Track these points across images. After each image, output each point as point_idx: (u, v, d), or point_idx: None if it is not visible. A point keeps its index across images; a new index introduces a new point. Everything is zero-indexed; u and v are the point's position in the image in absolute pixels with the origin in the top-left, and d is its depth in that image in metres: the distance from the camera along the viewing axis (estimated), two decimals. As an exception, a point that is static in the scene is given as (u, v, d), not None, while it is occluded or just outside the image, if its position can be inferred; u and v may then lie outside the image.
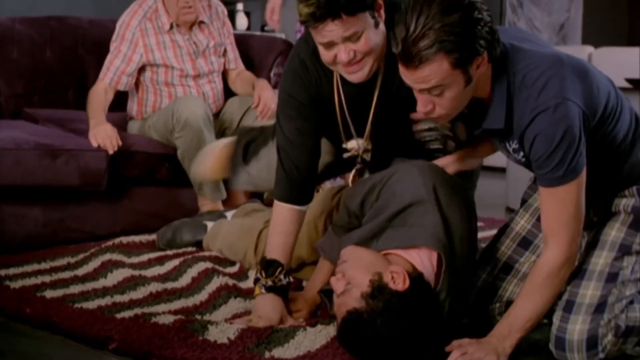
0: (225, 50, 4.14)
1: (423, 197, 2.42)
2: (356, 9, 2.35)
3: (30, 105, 4.19)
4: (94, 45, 4.40)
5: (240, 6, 5.56)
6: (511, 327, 2.32)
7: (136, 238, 3.60)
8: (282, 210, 2.67)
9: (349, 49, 2.40)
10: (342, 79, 2.57)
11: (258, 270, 2.64)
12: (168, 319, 2.50)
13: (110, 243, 3.45)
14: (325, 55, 2.46)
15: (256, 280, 2.62)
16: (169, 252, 3.39)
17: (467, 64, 2.11)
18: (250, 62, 4.36)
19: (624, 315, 2.37)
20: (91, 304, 2.72)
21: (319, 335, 2.44)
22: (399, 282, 2.30)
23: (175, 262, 3.23)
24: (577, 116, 2.16)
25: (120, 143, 3.61)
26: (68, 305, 2.69)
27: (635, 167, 2.40)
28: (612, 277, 2.37)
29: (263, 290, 2.58)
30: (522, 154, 2.28)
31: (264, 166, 3.15)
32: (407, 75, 2.16)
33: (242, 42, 4.41)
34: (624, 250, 2.39)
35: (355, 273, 2.34)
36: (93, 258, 3.27)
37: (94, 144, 3.57)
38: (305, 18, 2.37)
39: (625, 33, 8.09)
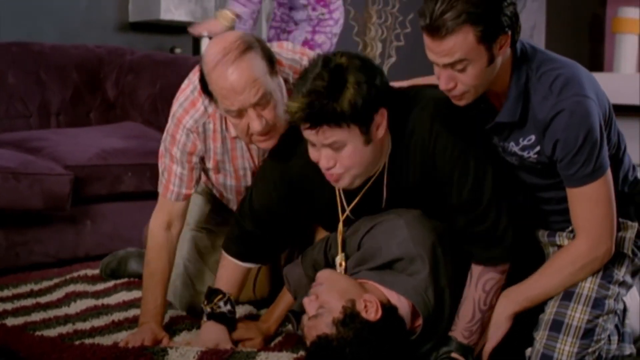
0: None
1: (412, 253, 2.38)
2: (338, 121, 2.20)
3: (-8, 131, 4.15)
4: (56, 70, 4.38)
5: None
6: (523, 295, 2.40)
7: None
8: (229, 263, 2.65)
9: (329, 156, 2.26)
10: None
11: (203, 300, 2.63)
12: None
13: (75, 274, 3.41)
14: (310, 152, 2.31)
15: (201, 311, 2.62)
16: (137, 279, 3.32)
17: (491, 40, 2.15)
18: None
19: (605, 346, 2.41)
20: (52, 332, 2.69)
21: (282, 357, 2.42)
22: (371, 312, 2.29)
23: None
24: (597, 113, 2.21)
25: None
26: (28, 333, 2.66)
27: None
28: (598, 303, 2.38)
29: (204, 319, 2.58)
30: (536, 149, 2.30)
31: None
32: (431, 48, 2.17)
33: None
34: (608, 278, 2.40)
35: (328, 297, 2.33)
36: (57, 289, 3.24)
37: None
38: (289, 115, 2.24)
39: (587, 59, 8.18)
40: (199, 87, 2.50)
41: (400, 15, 5.89)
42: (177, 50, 5.36)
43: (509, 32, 2.17)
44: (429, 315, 2.36)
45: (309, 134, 2.24)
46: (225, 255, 2.65)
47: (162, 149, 2.71)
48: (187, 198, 2.70)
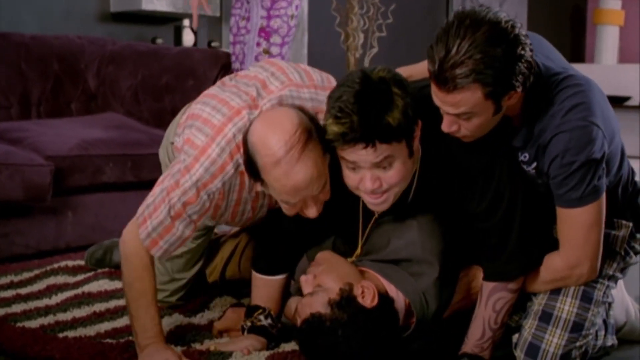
0: None
1: (418, 256, 2.39)
2: (392, 138, 2.11)
3: (-28, 122, 4.12)
4: (37, 61, 4.36)
5: (186, 22, 5.54)
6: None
7: (82, 262, 3.48)
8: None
9: (375, 177, 2.17)
10: None
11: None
12: (111, 340, 2.48)
13: (56, 266, 3.38)
14: (349, 178, 2.21)
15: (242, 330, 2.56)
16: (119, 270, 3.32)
17: (500, 97, 2.09)
18: (194, 75, 4.34)
19: (592, 342, 2.43)
20: (33, 323, 2.68)
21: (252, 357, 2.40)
22: (367, 298, 2.30)
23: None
24: (600, 140, 2.18)
25: None
26: (10, 324, 2.65)
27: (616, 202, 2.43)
28: (586, 296, 2.40)
29: (245, 334, 2.52)
30: (534, 165, 2.30)
31: None
32: (438, 96, 2.11)
33: (186, 55, 4.41)
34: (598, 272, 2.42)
35: (327, 278, 2.34)
36: (38, 280, 3.22)
37: None
38: (333, 137, 2.11)
39: (568, 49, 8.22)
40: (228, 150, 2.30)
41: (382, 6, 5.89)
42: (159, 41, 5.34)
43: (521, 88, 2.11)
44: (424, 317, 2.37)
45: (356, 155, 2.14)
46: (255, 274, 2.62)
47: (173, 200, 2.33)
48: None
